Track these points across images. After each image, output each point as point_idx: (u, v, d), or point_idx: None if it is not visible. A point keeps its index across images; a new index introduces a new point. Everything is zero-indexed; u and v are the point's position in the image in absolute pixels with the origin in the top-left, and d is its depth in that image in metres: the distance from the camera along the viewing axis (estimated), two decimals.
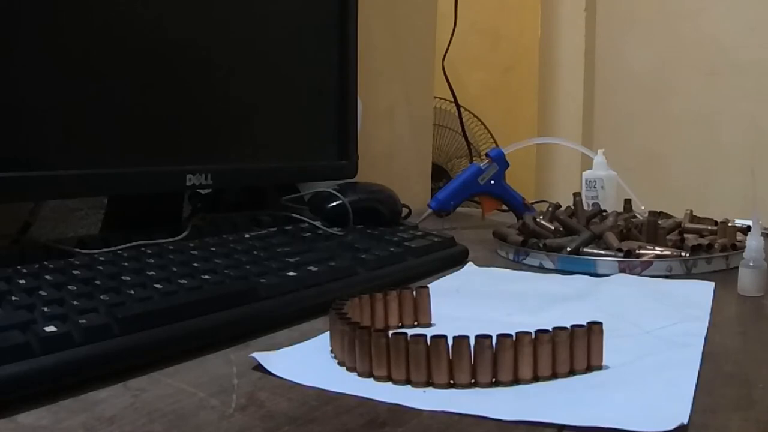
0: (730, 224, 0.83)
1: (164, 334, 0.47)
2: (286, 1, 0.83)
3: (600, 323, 0.45)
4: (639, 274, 0.72)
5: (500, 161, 1.06)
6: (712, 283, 0.68)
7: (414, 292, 0.55)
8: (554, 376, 0.43)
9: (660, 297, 0.63)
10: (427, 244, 0.78)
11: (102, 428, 0.36)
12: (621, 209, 0.96)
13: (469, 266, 0.77)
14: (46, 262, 0.55)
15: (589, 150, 1.17)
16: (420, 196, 1.37)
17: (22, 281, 0.50)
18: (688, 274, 0.74)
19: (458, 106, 1.59)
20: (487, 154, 1.07)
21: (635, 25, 2.04)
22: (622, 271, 0.73)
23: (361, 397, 0.40)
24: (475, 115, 2.03)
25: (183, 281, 0.53)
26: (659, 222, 0.82)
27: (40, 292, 0.48)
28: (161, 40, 0.68)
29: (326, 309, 0.50)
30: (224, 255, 0.63)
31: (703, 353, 0.48)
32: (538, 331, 0.43)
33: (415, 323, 0.55)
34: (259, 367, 0.45)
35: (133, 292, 0.50)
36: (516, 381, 0.42)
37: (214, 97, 0.74)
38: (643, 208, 1.02)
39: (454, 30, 1.51)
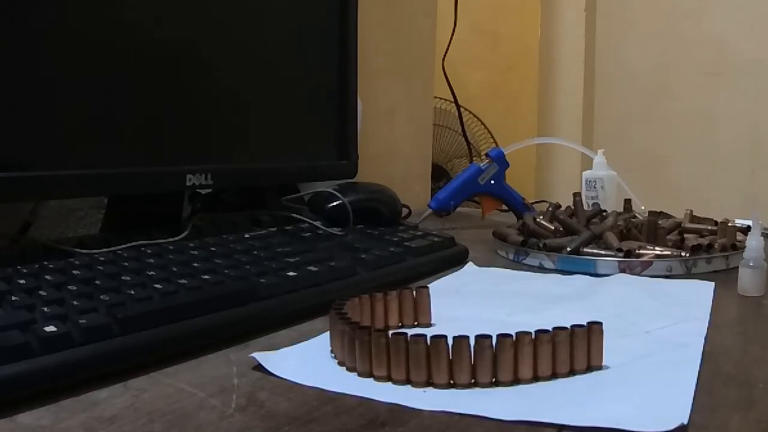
0: (730, 224, 0.83)
1: (164, 334, 0.47)
2: (286, 1, 0.83)
3: (600, 323, 0.45)
4: (639, 274, 0.72)
5: (500, 161, 1.06)
6: (712, 283, 0.68)
7: (414, 292, 0.55)
8: (554, 376, 0.43)
9: (660, 297, 0.63)
10: (427, 244, 0.78)
11: (102, 428, 0.36)
12: (621, 209, 0.96)
13: (469, 266, 0.77)
14: (46, 262, 0.55)
15: (589, 150, 1.17)
16: (420, 196, 1.36)
17: (22, 281, 0.50)
18: (688, 274, 0.73)
19: (458, 106, 1.59)
20: (487, 154, 1.07)
21: (635, 25, 2.04)
22: (622, 271, 0.73)
23: (361, 397, 0.40)
24: (475, 115, 2.03)
25: (183, 281, 0.53)
26: (659, 222, 0.82)
27: (40, 292, 0.48)
28: (161, 41, 0.68)
29: (326, 309, 0.50)
30: (224, 255, 0.63)
31: (703, 353, 0.48)
32: (538, 331, 0.43)
33: (415, 323, 0.55)
34: (259, 367, 0.45)
35: (133, 292, 0.50)
36: (516, 381, 0.42)
37: (214, 97, 0.74)
38: (643, 208, 1.02)
39: (454, 30, 1.51)
